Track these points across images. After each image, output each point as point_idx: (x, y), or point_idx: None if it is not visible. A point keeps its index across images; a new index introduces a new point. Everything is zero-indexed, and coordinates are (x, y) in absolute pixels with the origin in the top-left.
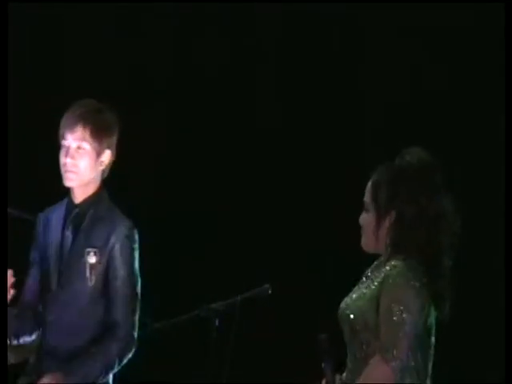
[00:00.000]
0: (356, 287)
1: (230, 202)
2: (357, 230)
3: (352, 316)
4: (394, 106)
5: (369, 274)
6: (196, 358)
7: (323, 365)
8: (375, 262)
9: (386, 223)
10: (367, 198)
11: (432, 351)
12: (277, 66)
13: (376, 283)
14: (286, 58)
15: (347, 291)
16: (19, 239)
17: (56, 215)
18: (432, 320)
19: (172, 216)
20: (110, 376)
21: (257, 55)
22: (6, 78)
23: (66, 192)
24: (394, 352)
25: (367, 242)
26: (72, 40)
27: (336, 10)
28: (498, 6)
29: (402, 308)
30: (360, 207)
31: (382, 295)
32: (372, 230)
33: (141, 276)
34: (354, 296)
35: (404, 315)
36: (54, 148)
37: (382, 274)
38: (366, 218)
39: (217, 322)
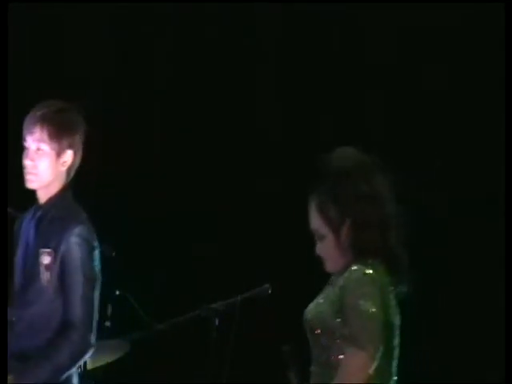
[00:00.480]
0: (321, 294)
1: (230, 202)
2: None
3: (312, 321)
4: (393, 106)
5: (332, 280)
6: (196, 358)
7: (289, 375)
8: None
9: (344, 237)
10: (316, 224)
11: (396, 352)
12: (277, 66)
13: (336, 288)
14: (286, 57)
15: None
16: None
17: (28, 216)
18: (396, 320)
19: (172, 216)
20: (75, 377)
21: (257, 55)
22: (6, 78)
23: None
24: (367, 338)
25: (335, 266)
26: (72, 40)
27: (336, 9)
28: (498, 6)
29: (368, 301)
30: None
31: (346, 296)
32: (335, 251)
33: (140, 276)
34: (316, 302)
35: (373, 309)
36: None
37: (342, 280)
38: (325, 245)
39: (217, 322)
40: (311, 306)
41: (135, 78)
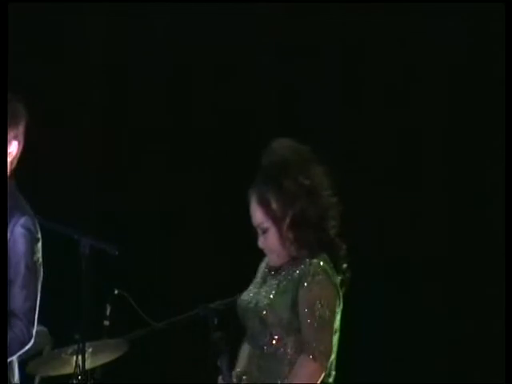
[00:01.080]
0: (256, 282)
1: (230, 202)
2: (357, 230)
3: (264, 312)
4: (393, 107)
5: (278, 270)
6: (194, 358)
7: (219, 362)
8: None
9: (286, 229)
10: (259, 218)
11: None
12: (276, 66)
13: (291, 279)
14: (286, 58)
15: None
16: None
17: None
18: (338, 317)
19: (172, 215)
20: (15, 366)
21: (257, 55)
22: (6, 78)
23: (65, 191)
24: (322, 348)
25: (278, 258)
26: (72, 40)
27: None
28: (498, 6)
29: (324, 305)
30: (359, 203)
31: (303, 292)
32: (279, 243)
33: (138, 275)
34: (263, 292)
35: (327, 312)
36: (53, 148)
37: (298, 272)
38: (268, 238)
39: (216, 322)
40: (256, 295)
41: (132, 76)
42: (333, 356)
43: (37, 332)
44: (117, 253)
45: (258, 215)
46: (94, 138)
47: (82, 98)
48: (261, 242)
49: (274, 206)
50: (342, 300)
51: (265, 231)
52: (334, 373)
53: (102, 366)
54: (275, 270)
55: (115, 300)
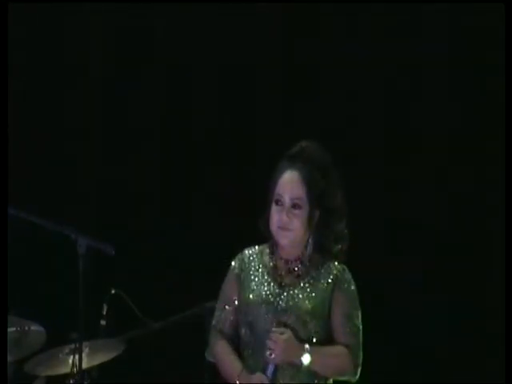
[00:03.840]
0: (266, 282)
1: (229, 202)
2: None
3: (308, 317)
4: (393, 108)
5: (301, 271)
6: (192, 357)
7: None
8: (255, 256)
9: (316, 219)
10: (298, 194)
11: None
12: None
13: (326, 283)
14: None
15: None
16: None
17: None
18: None
19: (169, 214)
20: None
21: (257, 55)
22: (6, 78)
23: (64, 190)
24: (359, 360)
25: (295, 238)
26: (72, 39)
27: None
28: (498, 6)
29: (359, 315)
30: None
31: (341, 297)
32: (303, 224)
33: (137, 275)
34: (298, 293)
35: (359, 324)
36: (54, 148)
37: (331, 276)
38: (296, 215)
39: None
40: (295, 297)
41: (130, 76)
42: None
43: (34, 331)
44: (113, 252)
45: (298, 190)
46: (93, 137)
47: (82, 98)
48: (284, 217)
49: (317, 190)
50: None
51: (297, 207)
52: None
53: (99, 366)
54: (292, 269)
55: (112, 300)
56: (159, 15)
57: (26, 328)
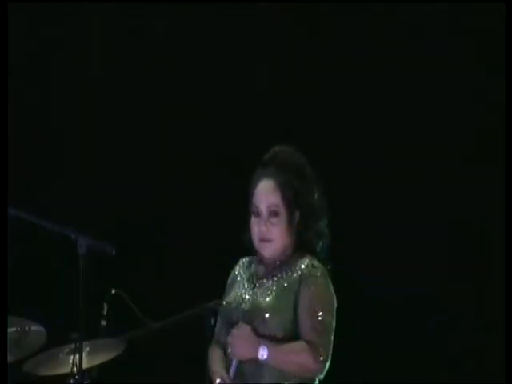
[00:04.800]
0: (243, 285)
1: (229, 203)
2: (358, 230)
3: (267, 314)
4: (393, 108)
5: (272, 272)
6: (192, 357)
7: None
8: (252, 263)
9: (295, 221)
10: (274, 201)
11: None
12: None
13: (291, 280)
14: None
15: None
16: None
17: None
18: None
19: (168, 214)
20: None
21: (257, 55)
22: (6, 78)
23: (64, 190)
24: (325, 356)
25: (273, 250)
26: (72, 39)
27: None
28: (498, 5)
29: (326, 309)
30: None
31: (305, 293)
32: (283, 230)
33: (137, 275)
34: (261, 294)
35: (329, 316)
36: (54, 148)
37: (298, 272)
38: (275, 223)
39: (212, 321)
40: (255, 297)
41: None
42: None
43: (34, 331)
44: (114, 252)
45: (273, 198)
46: (93, 137)
47: (82, 97)
48: (263, 228)
49: (292, 193)
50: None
51: (275, 214)
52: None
53: (99, 366)
54: (268, 272)
55: (112, 299)
56: (159, 15)
57: (27, 328)
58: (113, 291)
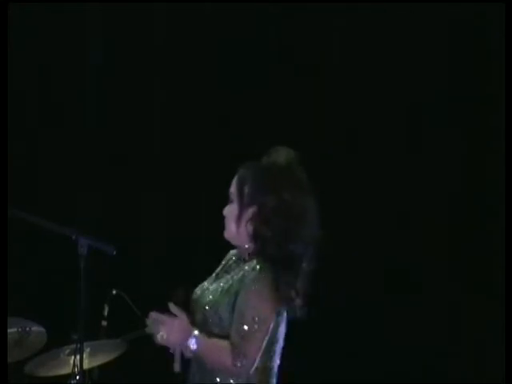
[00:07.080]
0: (213, 276)
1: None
2: (358, 231)
3: (207, 307)
4: (393, 108)
5: (230, 267)
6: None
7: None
8: (234, 257)
9: (248, 215)
10: (233, 188)
11: (278, 353)
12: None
13: (235, 280)
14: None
15: (341, 289)
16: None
17: None
18: (281, 328)
19: (171, 215)
20: None
21: (257, 55)
22: (6, 78)
23: (62, 191)
24: (241, 361)
25: (228, 233)
26: (72, 39)
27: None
28: (498, 6)
29: (255, 317)
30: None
31: (241, 296)
32: (234, 220)
33: (137, 276)
34: (212, 287)
35: (256, 325)
36: (53, 148)
37: (242, 273)
38: (229, 209)
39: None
40: (205, 290)
41: (126, 75)
42: (278, 347)
43: (35, 332)
44: (114, 253)
45: (233, 186)
46: (93, 137)
47: (82, 97)
48: (225, 209)
49: (247, 189)
50: (284, 311)
51: (231, 201)
52: (278, 361)
53: (100, 366)
54: (227, 268)
55: (113, 300)
56: (159, 15)
57: (27, 328)
58: (114, 292)
